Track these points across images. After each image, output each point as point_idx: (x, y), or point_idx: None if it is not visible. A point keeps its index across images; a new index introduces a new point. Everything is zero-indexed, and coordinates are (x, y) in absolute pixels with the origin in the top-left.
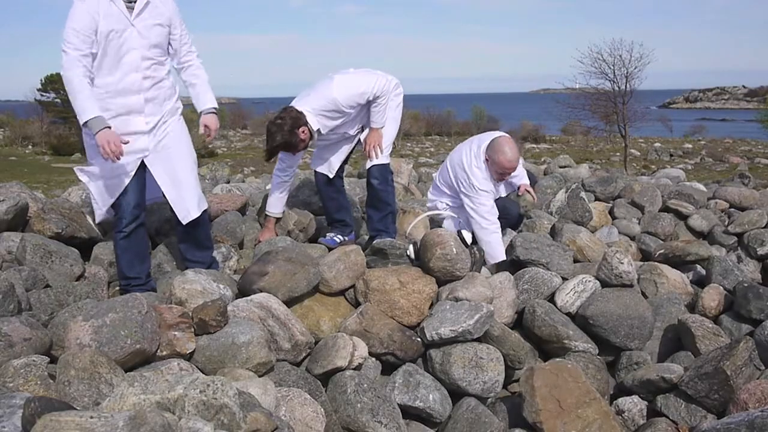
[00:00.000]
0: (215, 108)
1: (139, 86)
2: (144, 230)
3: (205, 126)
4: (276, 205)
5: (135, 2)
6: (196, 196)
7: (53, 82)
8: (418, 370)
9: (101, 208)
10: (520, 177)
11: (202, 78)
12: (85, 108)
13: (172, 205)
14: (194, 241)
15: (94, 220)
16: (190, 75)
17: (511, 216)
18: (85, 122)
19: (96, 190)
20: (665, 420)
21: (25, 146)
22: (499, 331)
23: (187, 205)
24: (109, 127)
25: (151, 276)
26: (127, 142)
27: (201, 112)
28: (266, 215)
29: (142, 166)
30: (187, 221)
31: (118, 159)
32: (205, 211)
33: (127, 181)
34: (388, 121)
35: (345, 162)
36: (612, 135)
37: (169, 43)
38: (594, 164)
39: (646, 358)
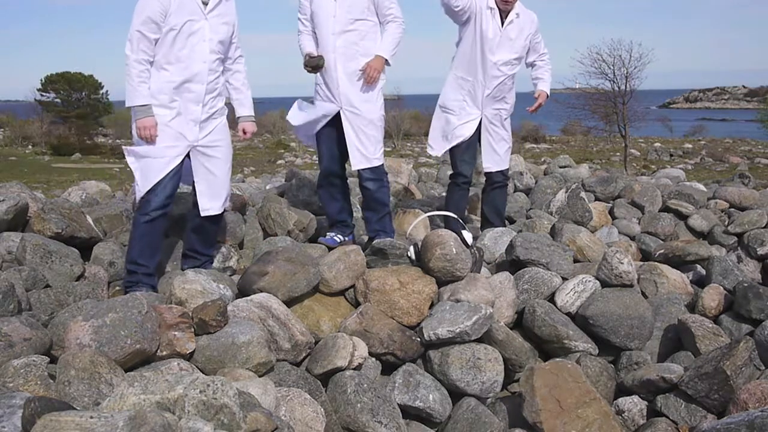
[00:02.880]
0: (253, 115)
1: (204, 77)
2: (164, 222)
3: (244, 130)
4: (310, 45)
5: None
6: (225, 194)
7: (53, 82)
8: (418, 370)
9: (142, 190)
10: (545, 83)
11: (247, 86)
12: (138, 93)
13: (198, 196)
14: (206, 236)
15: (94, 220)
16: (237, 80)
17: (460, 210)
18: (133, 106)
19: (141, 170)
20: (665, 420)
21: (25, 146)
22: (503, 335)
23: (214, 200)
24: (152, 116)
25: (155, 273)
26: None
27: (240, 117)
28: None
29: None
30: (206, 215)
31: (153, 142)
32: (224, 210)
33: (172, 165)
34: (375, 123)
35: (344, 157)
36: (612, 135)
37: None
38: (594, 164)
39: (646, 358)
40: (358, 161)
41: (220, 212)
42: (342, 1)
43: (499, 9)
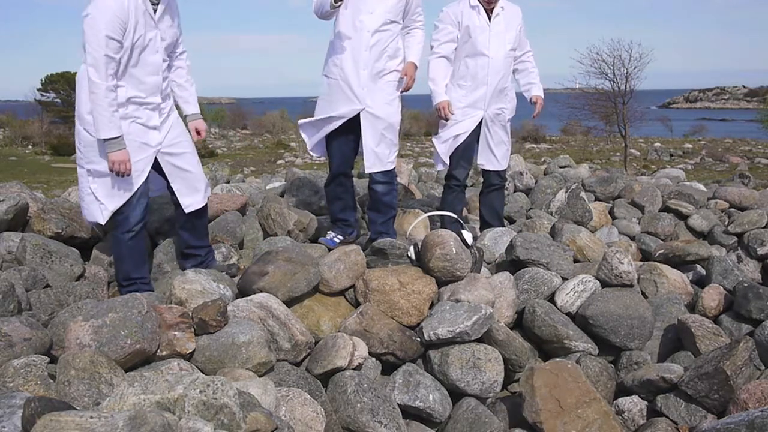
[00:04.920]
0: (200, 113)
1: (159, 86)
2: (145, 231)
3: (197, 130)
4: None
5: (158, 4)
6: (203, 185)
7: (53, 82)
8: (418, 370)
9: (108, 209)
10: (538, 86)
11: (191, 82)
12: (113, 125)
13: (177, 195)
14: (197, 231)
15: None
16: (180, 76)
17: (456, 212)
18: (105, 139)
19: (106, 189)
20: (665, 420)
21: (25, 146)
22: (503, 335)
23: (194, 195)
24: (125, 148)
25: (150, 280)
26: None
27: (188, 116)
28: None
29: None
30: (190, 210)
31: (128, 175)
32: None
33: (143, 178)
34: (394, 126)
35: (354, 156)
36: (612, 135)
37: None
38: (594, 164)
39: (646, 358)
40: (372, 164)
41: (203, 204)
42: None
43: (482, 6)
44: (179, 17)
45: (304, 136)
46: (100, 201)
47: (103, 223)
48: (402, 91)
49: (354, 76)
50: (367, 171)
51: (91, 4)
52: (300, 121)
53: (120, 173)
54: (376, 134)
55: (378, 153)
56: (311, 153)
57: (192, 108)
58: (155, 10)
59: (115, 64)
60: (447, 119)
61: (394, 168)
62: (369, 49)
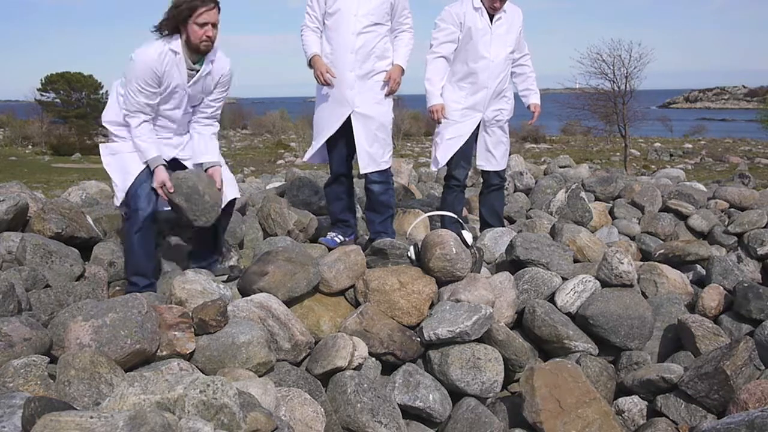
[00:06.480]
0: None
1: (174, 131)
2: (154, 226)
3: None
4: (316, 45)
5: (197, 72)
6: (230, 182)
7: (53, 83)
8: (418, 370)
9: (122, 188)
10: (536, 93)
11: (212, 147)
12: (148, 149)
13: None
14: (218, 234)
15: (94, 220)
16: (202, 134)
17: (456, 212)
18: (146, 160)
19: (119, 166)
20: (665, 420)
21: (25, 146)
22: (503, 335)
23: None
24: (165, 165)
25: (155, 281)
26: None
27: (205, 165)
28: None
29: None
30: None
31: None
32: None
33: (143, 165)
34: (385, 126)
35: (352, 156)
36: (612, 135)
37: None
38: (594, 164)
39: (646, 358)
40: (366, 164)
41: (236, 196)
42: (366, 1)
43: (486, 9)
44: (222, 89)
45: (313, 161)
46: (114, 182)
47: (118, 204)
48: (386, 95)
49: (341, 78)
50: (362, 172)
51: (135, 51)
52: (306, 157)
53: (160, 190)
54: (369, 134)
55: (372, 153)
56: (311, 162)
57: (206, 157)
58: (192, 75)
59: (146, 105)
60: (439, 122)
61: (389, 167)
62: (355, 51)
